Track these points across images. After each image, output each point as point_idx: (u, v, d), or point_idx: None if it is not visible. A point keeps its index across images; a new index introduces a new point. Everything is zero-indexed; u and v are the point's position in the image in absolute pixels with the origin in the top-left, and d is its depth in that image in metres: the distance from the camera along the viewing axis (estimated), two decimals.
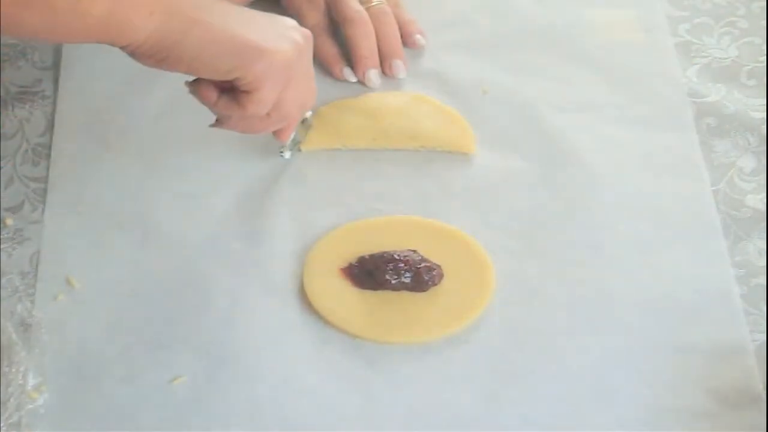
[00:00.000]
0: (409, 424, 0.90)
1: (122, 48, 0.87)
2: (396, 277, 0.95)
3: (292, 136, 1.03)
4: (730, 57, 1.12)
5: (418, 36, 1.13)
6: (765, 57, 1.12)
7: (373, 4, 1.11)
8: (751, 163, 1.05)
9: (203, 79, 0.92)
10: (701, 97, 1.09)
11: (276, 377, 0.91)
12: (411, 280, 0.95)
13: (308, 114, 1.05)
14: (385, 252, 0.96)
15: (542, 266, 0.98)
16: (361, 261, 0.96)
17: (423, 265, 0.95)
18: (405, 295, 0.95)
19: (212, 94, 0.93)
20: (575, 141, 1.06)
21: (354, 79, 1.10)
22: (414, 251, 0.96)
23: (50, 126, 1.07)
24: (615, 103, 1.09)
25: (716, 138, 1.07)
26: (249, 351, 0.93)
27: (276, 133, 1.00)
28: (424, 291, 0.95)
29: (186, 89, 0.94)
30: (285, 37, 0.92)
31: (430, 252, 0.97)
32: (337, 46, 1.11)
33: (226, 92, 0.93)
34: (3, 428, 0.88)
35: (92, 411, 0.90)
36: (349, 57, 1.10)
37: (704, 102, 1.09)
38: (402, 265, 0.95)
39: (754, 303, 0.96)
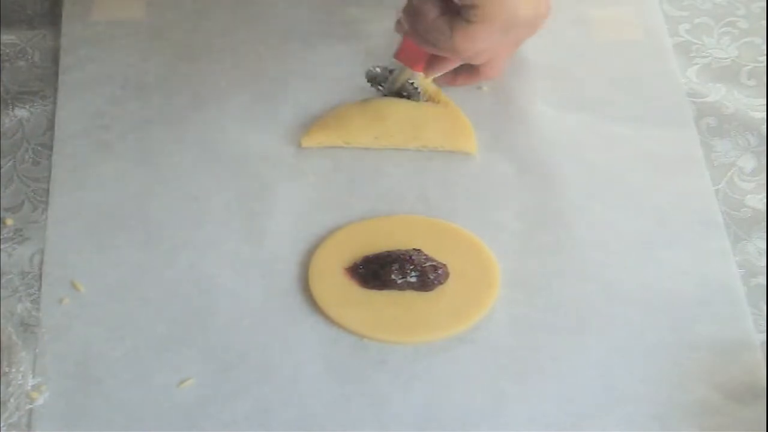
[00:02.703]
0: (416, 423, 0.90)
1: None
2: (402, 276, 0.95)
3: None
4: (730, 57, 1.13)
5: None
6: (765, 57, 1.12)
7: None
8: (751, 163, 1.06)
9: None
10: (701, 97, 1.10)
11: (283, 378, 0.92)
12: (417, 280, 0.95)
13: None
14: (390, 252, 0.96)
15: (546, 265, 0.98)
16: (366, 261, 0.96)
17: (428, 264, 0.95)
18: (410, 294, 0.95)
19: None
20: (576, 140, 1.06)
21: None
22: (419, 250, 0.96)
23: (50, 126, 1.07)
24: (615, 103, 1.09)
25: (716, 138, 1.07)
26: (256, 352, 0.93)
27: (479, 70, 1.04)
28: (430, 290, 0.95)
29: None
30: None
31: (435, 251, 0.97)
32: None
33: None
34: (3, 428, 0.88)
35: (100, 414, 0.90)
36: None
37: (704, 102, 1.09)
38: (407, 264, 0.95)
39: (754, 302, 0.97)
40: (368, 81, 1.09)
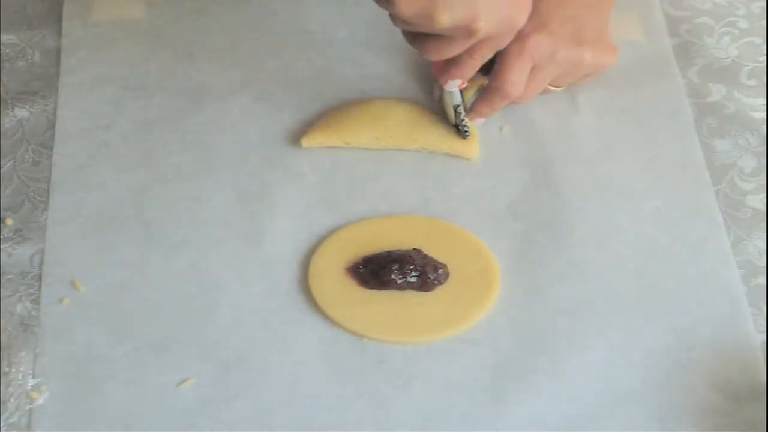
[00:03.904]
0: (416, 424, 0.90)
1: None
2: (402, 276, 0.95)
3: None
4: (730, 57, 1.13)
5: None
6: (765, 57, 1.12)
7: None
8: (751, 163, 1.05)
9: None
10: (701, 97, 1.10)
11: (283, 378, 0.91)
12: (417, 280, 0.95)
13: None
14: (390, 251, 0.96)
15: (546, 265, 0.98)
16: (366, 261, 0.96)
17: (428, 264, 0.95)
18: (410, 294, 0.95)
19: None
20: (576, 140, 1.07)
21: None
22: (419, 250, 0.96)
23: (50, 126, 1.07)
24: (615, 104, 1.09)
25: (716, 138, 1.07)
26: (255, 353, 0.93)
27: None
28: (430, 290, 0.95)
29: None
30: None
31: (435, 251, 0.97)
32: None
33: None
34: (3, 428, 0.88)
35: (100, 414, 0.90)
36: None
37: (704, 102, 1.09)
38: (407, 264, 0.95)
39: (755, 302, 0.97)
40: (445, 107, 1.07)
